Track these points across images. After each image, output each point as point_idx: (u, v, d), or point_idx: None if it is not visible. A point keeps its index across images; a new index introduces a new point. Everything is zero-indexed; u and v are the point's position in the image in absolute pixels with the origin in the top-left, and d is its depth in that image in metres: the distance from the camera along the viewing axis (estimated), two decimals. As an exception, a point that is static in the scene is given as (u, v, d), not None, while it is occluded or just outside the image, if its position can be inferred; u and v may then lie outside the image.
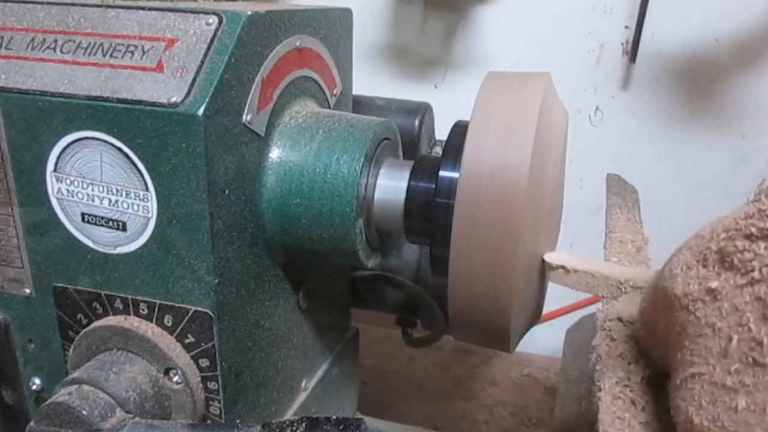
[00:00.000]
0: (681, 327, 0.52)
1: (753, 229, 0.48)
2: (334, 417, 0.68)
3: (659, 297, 0.58)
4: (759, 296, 0.46)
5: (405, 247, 1.16)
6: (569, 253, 0.82)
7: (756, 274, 0.47)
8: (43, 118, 0.74)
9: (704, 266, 0.51)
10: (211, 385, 0.80)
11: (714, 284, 0.49)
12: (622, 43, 1.52)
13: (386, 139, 0.90)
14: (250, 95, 0.77)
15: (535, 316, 0.89)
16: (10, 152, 0.77)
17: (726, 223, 0.51)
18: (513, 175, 0.75)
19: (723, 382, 0.47)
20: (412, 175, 0.86)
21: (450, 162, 0.82)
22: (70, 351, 0.82)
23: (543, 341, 1.71)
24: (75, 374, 0.75)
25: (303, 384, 1.04)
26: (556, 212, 0.85)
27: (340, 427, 0.67)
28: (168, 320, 0.79)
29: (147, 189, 0.73)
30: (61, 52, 0.77)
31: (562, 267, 0.79)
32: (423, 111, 1.12)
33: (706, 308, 0.49)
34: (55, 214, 0.78)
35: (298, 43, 0.86)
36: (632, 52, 1.49)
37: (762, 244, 0.48)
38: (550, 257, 0.80)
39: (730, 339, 0.47)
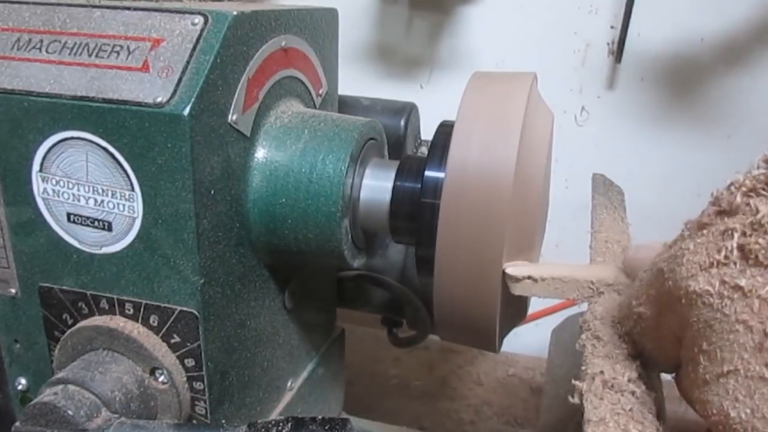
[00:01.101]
0: (705, 324, 0.53)
1: None
2: (320, 417, 0.68)
3: (665, 293, 0.58)
4: None
5: (391, 247, 1.16)
6: (531, 264, 0.82)
7: None
8: (29, 118, 0.74)
9: (725, 264, 0.51)
10: (197, 385, 0.80)
11: (742, 282, 0.49)
12: (608, 43, 1.52)
13: (372, 139, 0.91)
14: (236, 95, 0.77)
15: (521, 316, 0.89)
16: (-4, 152, 0.77)
17: (741, 219, 0.52)
18: (498, 175, 0.75)
19: (761, 375, 0.48)
20: (398, 175, 0.87)
21: (436, 162, 0.82)
22: (56, 351, 0.82)
23: (528, 341, 1.71)
24: (61, 374, 0.75)
25: (289, 384, 1.04)
26: (542, 212, 0.86)
27: (326, 427, 0.67)
28: (154, 320, 0.79)
29: (132, 189, 0.73)
30: (47, 52, 0.77)
31: (529, 277, 0.79)
32: (408, 111, 1.12)
33: (734, 305, 0.50)
34: (40, 214, 0.78)
35: (283, 43, 0.86)
36: (618, 52, 1.49)
37: None
38: (513, 270, 0.80)
39: (766, 333, 0.48)
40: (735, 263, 0.51)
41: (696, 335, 0.54)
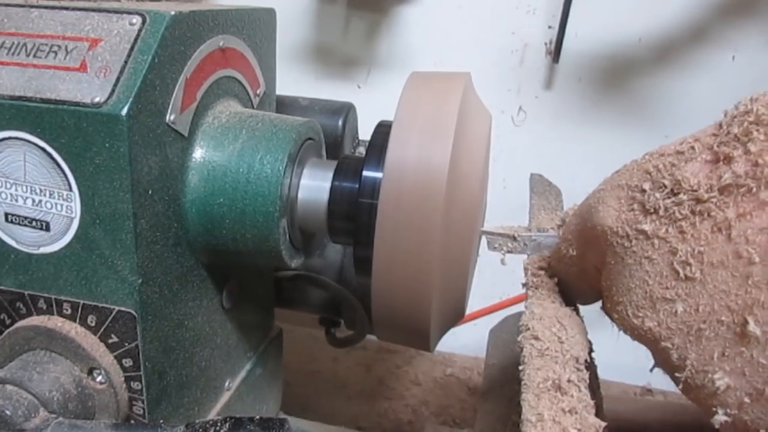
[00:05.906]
0: (620, 257, 0.63)
1: (666, 182, 0.60)
2: (258, 417, 0.69)
3: (587, 232, 0.69)
4: (682, 230, 0.57)
5: (329, 248, 1.16)
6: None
7: (677, 215, 0.58)
8: (-34, 118, 0.74)
9: (630, 210, 0.62)
10: (135, 385, 0.80)
11: (645, 227, 0.60)
12: (546, 43, 1.53)
13: (310, 139, 0.91)
14: (174, 95, 0.77)
15: (458, 316, 0.90)
16: (-69, 152, 0.77)
17: (640, 176, 0.64)
18: (433, 175, 0.75)
19: (663, 296, 0.58)
20: (336, 175, 0.87)
21: (373, 162, 0.82)
22: (-7, 351, 0.82)
23: (466, 341, 1.72)
24: (-2, 374, 0.75)
25: (226, 384, 1.04)
26: (480, 212, 0.86)
27: (264, 427, 0.68)
28: (91, 320, 0.78)
29: (70, 189, 0.73)
30: (-16, 51, 0.77)
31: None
32: (346, 111, 1.13)
33: (640, 244, 0.60)
34: (-23, 214, 0.78)
35: (221, 43, 0.86)
36: (555, 52, 1.50)
37: (679, 196, 0.58)
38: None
39: (666, 263, 0.58)
40: (639, 210, 0.61)
41: (613, 267, 0.64)
